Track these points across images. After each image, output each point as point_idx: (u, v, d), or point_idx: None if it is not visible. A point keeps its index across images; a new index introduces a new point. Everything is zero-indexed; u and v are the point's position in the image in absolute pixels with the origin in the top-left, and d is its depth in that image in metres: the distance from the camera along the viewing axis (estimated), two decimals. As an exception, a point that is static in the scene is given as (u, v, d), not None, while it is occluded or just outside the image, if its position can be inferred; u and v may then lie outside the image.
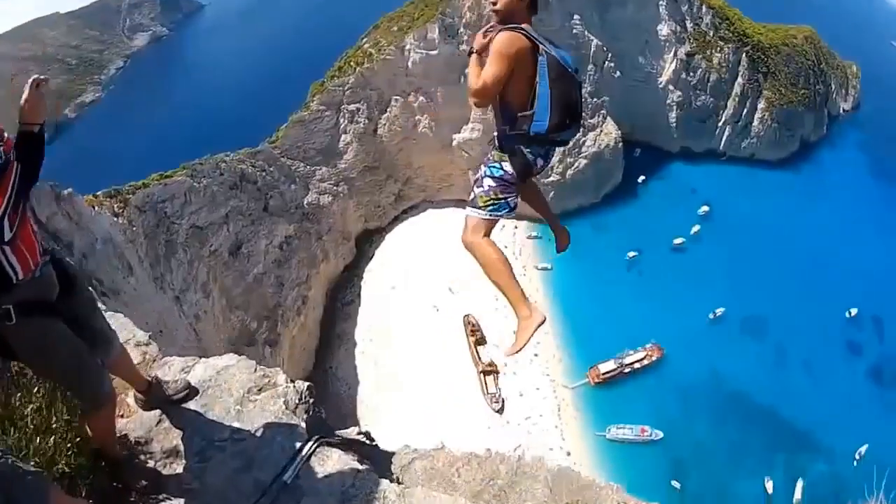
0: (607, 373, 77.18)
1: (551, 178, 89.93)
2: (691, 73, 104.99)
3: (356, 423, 65.79)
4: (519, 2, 5.42)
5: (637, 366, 79.52)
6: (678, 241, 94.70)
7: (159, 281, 40.80)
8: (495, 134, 5.87)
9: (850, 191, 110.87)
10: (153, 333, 21.17)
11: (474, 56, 5.56)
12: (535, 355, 78.45)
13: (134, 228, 41.22)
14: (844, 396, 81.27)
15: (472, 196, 5.85)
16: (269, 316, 58.01)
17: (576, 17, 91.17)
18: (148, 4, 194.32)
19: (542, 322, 5.57)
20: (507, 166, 5.61)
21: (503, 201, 5.76)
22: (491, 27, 5.62)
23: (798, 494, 72.28)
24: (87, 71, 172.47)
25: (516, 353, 5.99)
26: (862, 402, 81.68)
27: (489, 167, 5.76)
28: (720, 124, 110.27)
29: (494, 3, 5.45)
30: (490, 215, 5.84)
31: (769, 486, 72.53)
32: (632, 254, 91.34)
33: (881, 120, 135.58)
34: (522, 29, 5.28)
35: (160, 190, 46.46)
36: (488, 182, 5.73)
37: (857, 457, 75.48)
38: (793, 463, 75.01)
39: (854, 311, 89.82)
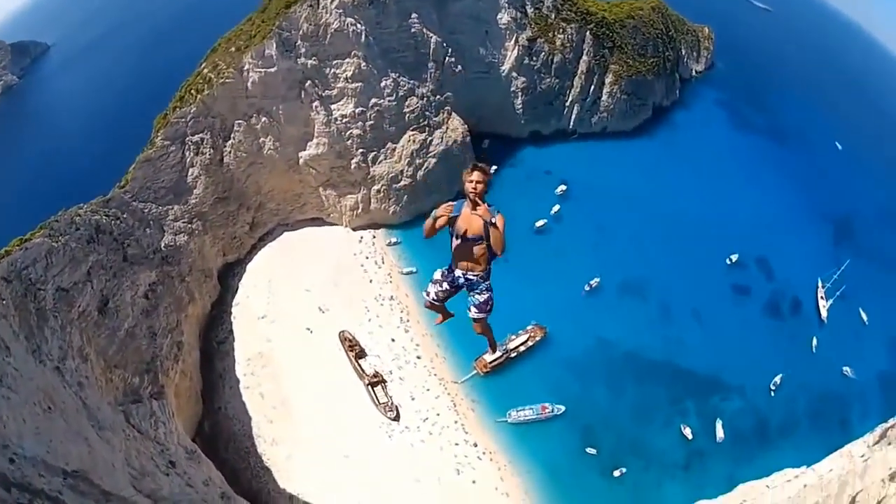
0: (494, 361, 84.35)
1: (402, 182, 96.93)
2: (534, 58, 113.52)
3: (259, 460, 71.23)
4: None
5: (522, 348, 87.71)
6: (540, 223, 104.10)
7: (37, 354, 41.77)
8: (488, 268, 14.21)
9: (708, 146, 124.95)
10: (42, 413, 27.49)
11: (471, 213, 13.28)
12: (418, 357, 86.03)
13: (3, 301, 42.32)
14: (745, 336, 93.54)
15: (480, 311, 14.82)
16: (149, 368, 60.39)
17: (413, 15, 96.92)
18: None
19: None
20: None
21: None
22: (474, 201, 13.04)
23: (720, 433, 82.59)
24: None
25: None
26: (765, 336, 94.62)
27: (488, 290, 14.62)
28: (568, 104, 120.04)
29: (479, 190, 12.85)
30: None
31: (687, 432, 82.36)
32: None
33: (735, 76, 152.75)
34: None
35: (21, 255, 47.58)
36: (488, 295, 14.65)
37: (773, 387, 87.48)
38: (706, 407, 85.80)
39: (735, 257, 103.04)
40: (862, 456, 34.19)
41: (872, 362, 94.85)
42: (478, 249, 14.05)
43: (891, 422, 35.49)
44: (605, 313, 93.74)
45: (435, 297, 15.66)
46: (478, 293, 14.89)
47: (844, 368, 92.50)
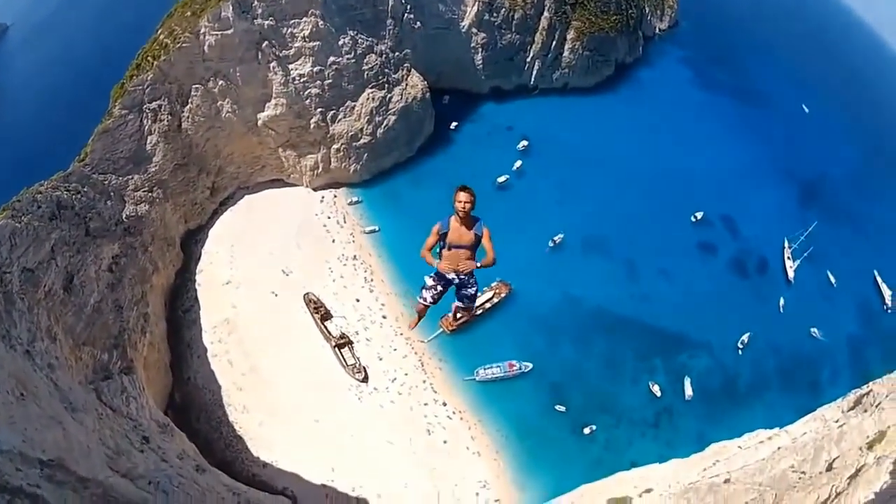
0: (460, 319, 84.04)
1: (362, 141, 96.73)
2: (495, 14, 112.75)
3: (231, 429, 71.23)
4: None
5: (488, 305, 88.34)
6: (502, 178, 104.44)
7: (7, 339, 41.64)
8: (472, 269, 17.80)
9: (672, 104, 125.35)
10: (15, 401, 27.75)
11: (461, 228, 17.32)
12: (384, 317, 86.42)
13: (-29, 288, 41.81)
14: (711, 293, 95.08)
15: (471, 300, 19.32)
16: (117, 343, 60.13)
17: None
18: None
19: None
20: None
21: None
22: (463, 217, 16.92)
23: (689, 391, 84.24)
24: None
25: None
26: (732, 295, 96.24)
27: (475, 285, 18.76)
28: (529, 59, 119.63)
29: (467, 208, 16.54)
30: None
31: (656, 389, 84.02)
32: None
33: (700, 36, 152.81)
34: None
35: None
36: (476, 288, 19.29)
37: (741, 346, 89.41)
38: (674, 364, 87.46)
39: (699, 215, 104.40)
40: (836, 421, 35.25)
41: (841, 325, 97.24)
42: (466, 254, 17.98)
43: (865, 388, 36.57)
44: (570, 269, 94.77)
45: (432, 300, 19.55)
46: (468, 288, 19.48)
47: (812, 329, 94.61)
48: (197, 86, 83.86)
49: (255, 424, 74.81)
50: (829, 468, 31.60)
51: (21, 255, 50.16)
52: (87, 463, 37.49)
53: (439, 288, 19.40)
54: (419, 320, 22.23)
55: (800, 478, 32.35)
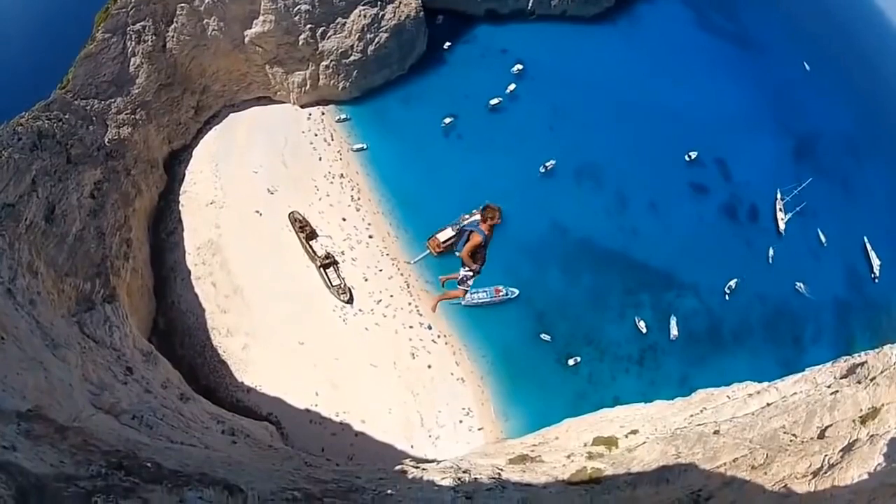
0: (447, 241, 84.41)
1: (352, 58, 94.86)
2: None
3: (215, 353, 72.34)
4: None
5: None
6: (495, 101, 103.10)
7: None
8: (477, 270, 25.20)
9: (671, 42, 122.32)
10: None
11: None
12: (370, 237, 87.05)
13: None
14: (701, 234, 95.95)
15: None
16: (99, 272, 60.50)
17: None
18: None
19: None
20: None
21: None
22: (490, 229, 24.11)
23: (674, 331, 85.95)
24: None
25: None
26: (721, 238, 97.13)
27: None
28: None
29: (495, 223, 24.18)
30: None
31: (641, 325, 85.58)
32: (447, 119, 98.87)
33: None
34: None
35: None
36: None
37: (728, 291, 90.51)
38: (660, 302, 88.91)
39: (693, 155, 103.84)
40: (829, 387, 35.52)
41: (827, 285, 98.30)
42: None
43: (858, 358, 36.85)
44: (561, 197, 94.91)
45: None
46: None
47: (798, 284, 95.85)
48: (182, 4, 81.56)
49: (238, 348, 76.09)
50: (822, 436, 32.04)
51: (2, 190, 50.02)
52: (70, 403, 38.29)
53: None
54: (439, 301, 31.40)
55: (791, 440, 32.75)
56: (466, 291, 27.05)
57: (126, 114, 75.68)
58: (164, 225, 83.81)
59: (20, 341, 39.20)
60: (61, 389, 39.00)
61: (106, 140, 71.20)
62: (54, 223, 56.39)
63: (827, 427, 32.38)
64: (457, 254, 25.26)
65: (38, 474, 20.13)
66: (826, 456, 29.83)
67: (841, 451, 29.74)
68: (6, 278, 44.81)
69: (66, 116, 65.47)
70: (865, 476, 27.43)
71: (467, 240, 25.09)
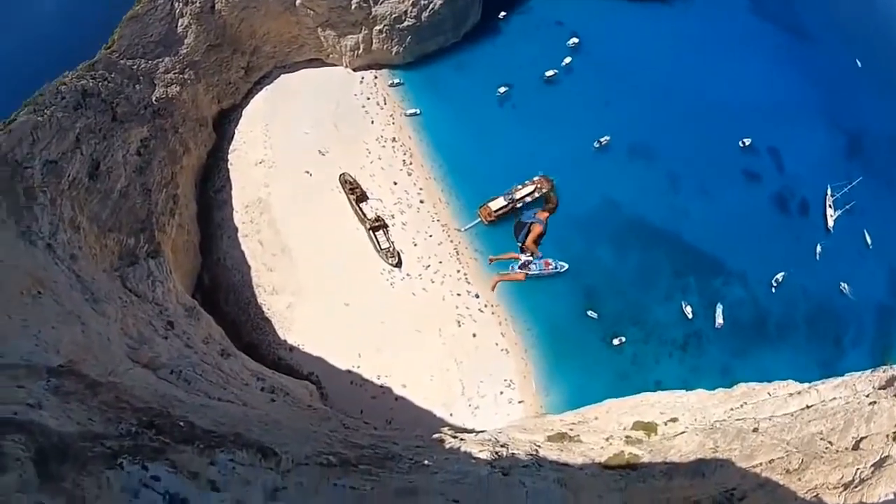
0: (499, 210, 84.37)
1: (406, 23, 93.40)
2: None
3: (259, 311, 72.50)
4: None
5: (528, 199, 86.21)
6: (550, 73, 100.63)
7: (27, 234, 42.62)
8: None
9: (729, 28, 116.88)
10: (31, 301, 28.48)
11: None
12: (421, 202, 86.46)
13: (-12, 190, 42.40)
14: (751, 223, 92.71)
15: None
16: (144, 227, 61.47)
17: None
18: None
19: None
20: None
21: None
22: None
23: (720, 319, 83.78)
24: None
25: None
26: (771, 229, 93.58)
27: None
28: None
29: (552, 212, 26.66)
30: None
31: (688, 311, 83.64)
32: (502, 89, 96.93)
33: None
34: None
35: (6, 139, 46.84)
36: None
37: (775, 284, 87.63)
38: (707, 288, 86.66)
39: (748, 141, 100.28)
40: (867, 396, 34.72)
41: (871, 288, 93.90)
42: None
43: None
44: (614, 173, 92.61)
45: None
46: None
47: (842, 284, 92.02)
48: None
49: (283, 306, 76.76)
50: (856, 447, 31.55)
51: (43, 147, 50.35)
52: (106, 357, 38.76)
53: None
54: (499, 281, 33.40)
55: (826, 448, 32.34)
56: (527, 275, 29.02)
57: (174, 73, 76.01)
58: (213, 183, 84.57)
59: (58, 296, 39.81)
60: (98, 343, 39.61)
61: (153, 98, 71.72)
62: (98, 179, 57.05)
63: (862, 438, 31.78)
64: (519, 245, 28.03)
65: (61, 433, 20.02)
66: (858, 469, 29.58)
67: (872, 465, 29.40)
68: (46, 233, 45.26)
69: (112, 76, 65.90)
70: (891, 496, 27.28)
71: (528, 231, 27.36)
